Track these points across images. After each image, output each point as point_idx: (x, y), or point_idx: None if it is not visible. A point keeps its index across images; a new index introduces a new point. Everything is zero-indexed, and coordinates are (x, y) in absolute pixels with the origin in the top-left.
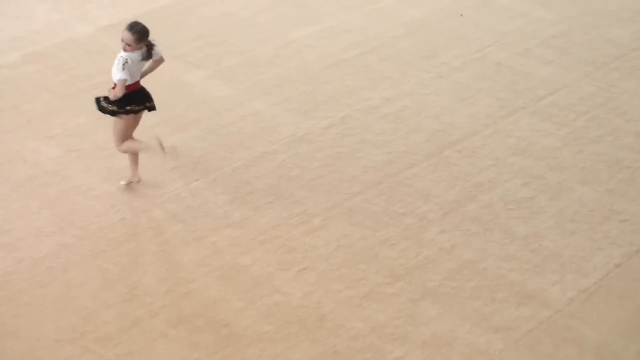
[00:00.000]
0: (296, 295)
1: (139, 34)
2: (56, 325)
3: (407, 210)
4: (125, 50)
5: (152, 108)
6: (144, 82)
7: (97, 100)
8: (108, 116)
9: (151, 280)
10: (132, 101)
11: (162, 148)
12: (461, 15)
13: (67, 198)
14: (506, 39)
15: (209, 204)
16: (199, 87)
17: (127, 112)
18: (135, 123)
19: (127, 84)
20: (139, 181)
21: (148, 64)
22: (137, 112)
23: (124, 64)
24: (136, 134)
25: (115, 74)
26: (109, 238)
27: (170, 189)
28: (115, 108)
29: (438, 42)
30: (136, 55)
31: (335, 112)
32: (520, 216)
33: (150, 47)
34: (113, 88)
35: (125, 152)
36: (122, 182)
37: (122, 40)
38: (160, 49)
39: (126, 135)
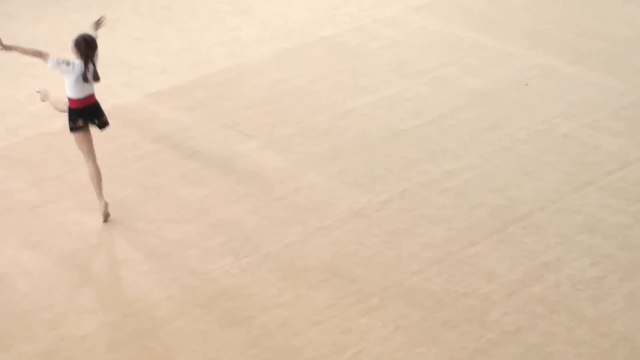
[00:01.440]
0: None
1: (74, 42)
2: None
3: (468, 290)
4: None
5: (102, 124)
6: None
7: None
8: (156, 187)
9: None
10: (80, 116)
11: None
12: (526, 84)
13: (111, 273)
14: (573, 110)
15: (260, 282)
16: (252, 158)
17: (73, 129)
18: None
19: (73, 97)
20: (106, 206)
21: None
22: (83, 127)
23: (64, 61)
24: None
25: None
26: (155, 316)
27: (219, 265)
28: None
29: (502, 113)
30: (80, 64)
31: (393, 185)
32: (589, 297)
33: (93, 64)
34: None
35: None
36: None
37: None
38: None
39: (82, 143)
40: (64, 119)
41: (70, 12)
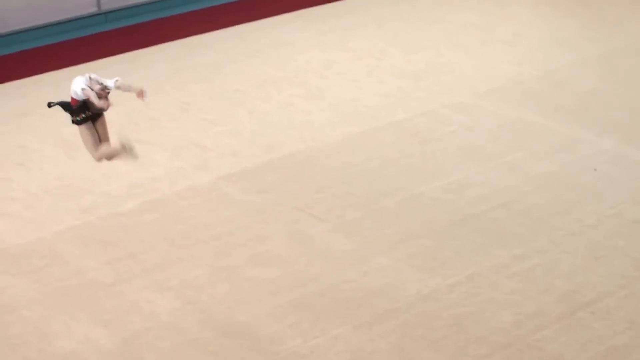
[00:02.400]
0: None
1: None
2: None
3: None
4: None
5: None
6: None
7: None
8: (227, 267)
9: None
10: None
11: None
12: (595, 170)
13: (182, 352)
14: None
15: None
16: (321, 241)
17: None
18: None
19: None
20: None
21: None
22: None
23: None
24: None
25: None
26: None
27: (288, 346)
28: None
29: (570, 198)
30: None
31: (462, 269)
32: None
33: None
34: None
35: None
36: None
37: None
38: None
39: (88, 136)
40: (137, 199)
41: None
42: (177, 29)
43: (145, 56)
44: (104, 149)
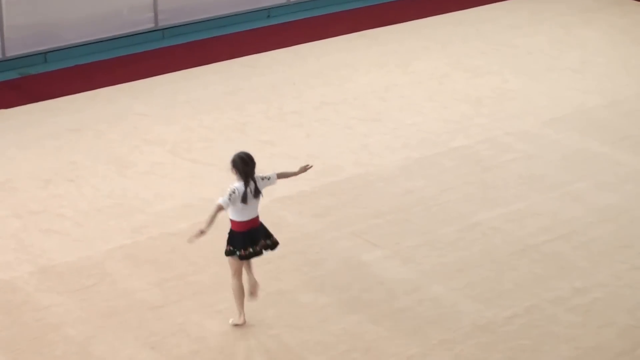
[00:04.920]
0: None
1: (231, 162)
2: None
3: None
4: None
5: (270, 246)
6: None
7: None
8: (278, 292)
9: None
10: (242, 244)
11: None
12: None
13: None
14: None
15: None
16: (376, 267)
17: (238, 256)
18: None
19: (235, 220)
20: (244, 322)
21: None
22: (246, 257)
23: (230, 193)
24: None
25: None
26: None
27: None
28: (228, 248)
29: (635, 231)
30: (241, 186)
31: (520, 301)
32: None
33: (254, 181)
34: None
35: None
36: (231, 321)
37: None
38: (273, 175)
39: (236, 272)
40: (189, 220)
41: (201, 114)
42: (235, 47)
43: (202, 74)
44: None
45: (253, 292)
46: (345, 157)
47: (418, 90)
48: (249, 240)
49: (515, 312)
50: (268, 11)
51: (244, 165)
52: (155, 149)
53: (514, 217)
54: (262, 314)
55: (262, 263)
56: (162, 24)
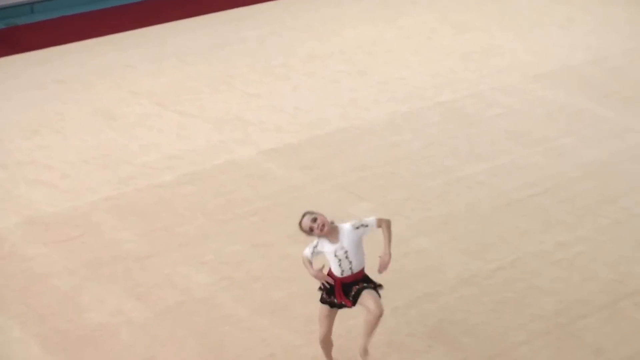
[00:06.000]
0: None
1: (300, 227)
2: None
3: None
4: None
5: (360, 290)
6: None
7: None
8: (264, 244)
9: None
10: (333, 293)
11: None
12: None
13: (215, 328)
14: None
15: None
16: None
17: (323, 301)
18: (332, 317)
19: (328, 272)
20: None
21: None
22: (331, 305)
23: (313, 246)
24: None
25: None
26: None
27: None
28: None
29: (618, 186)
30: (325, 242)
31: (504, 254)
32: None
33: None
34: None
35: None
36: None
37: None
38: (371, 221)
39: (322, 322)
40: (175, 172)
41: (188, 66)
42: (223, 0)
43: (189, 27)
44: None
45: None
46: (332, 110)
47: (405, 45)
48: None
49: (500, 266)
50: None
51: (305, 231)
52: (142, 100)
53: (499, 172)
54: (248, 265)
55: (249, 215)
56: None
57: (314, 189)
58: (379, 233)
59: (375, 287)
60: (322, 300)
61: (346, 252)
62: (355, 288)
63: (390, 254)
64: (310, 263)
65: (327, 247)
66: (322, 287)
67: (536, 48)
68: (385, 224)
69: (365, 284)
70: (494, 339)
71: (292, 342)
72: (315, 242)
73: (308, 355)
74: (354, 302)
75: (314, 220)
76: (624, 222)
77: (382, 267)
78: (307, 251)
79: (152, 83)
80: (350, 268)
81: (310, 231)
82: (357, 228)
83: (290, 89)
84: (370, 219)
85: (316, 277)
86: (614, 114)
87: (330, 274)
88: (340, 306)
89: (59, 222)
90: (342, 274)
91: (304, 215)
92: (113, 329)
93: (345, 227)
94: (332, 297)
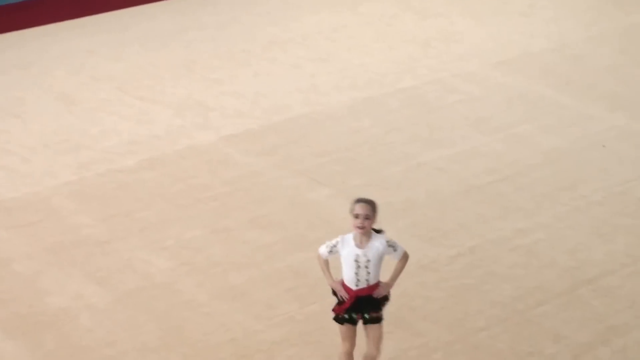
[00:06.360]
0: None
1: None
2: None
3: (534, 350)
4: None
5: (369, 320)
6: None
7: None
8: (224, 229)
9: None
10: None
11: None
12: (603, 146)
13: (175, 313)
14: None
15: (324, 330)
16: (322, 206)
17: (340, 320)
18: (352, 334)
19: (344, 280)
20: None
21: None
22: (346, 321)
23: (331, 245)
24: None
25: None
26: (217, 358)
27: (284, 311)
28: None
29: (577, 173)
30: (349, 243)
31: (464, 240)
32: None
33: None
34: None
35: None
36: None
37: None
38: (400, 249)
39: (343, 340)
40: (136, 157)
41: (149, 51)
42: None
43: (150, 11)
44: None
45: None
46: (293, 96)
47: (366, 31)
48: (356, 305)
49: (459, 252)
50: None
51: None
52: (102, 86)
53: (459, 158)
54: (208, 251)
55: (209, 200)
56: None
57: (274, 174)
58: None
59: (382, 309)
60: (339, 320)
61: (368, 261)
62: (372, 314)
63: (391, 287)
64: (327, 265)
65: (349, 249)
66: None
67: (497, 35)
68: (404, 259)
69: (375, 314)
70: (453, 325)
71: (252, 327)
72: (336, 240)
73: (267, 340)
74: (365, 321)
75: (367, 217)
76: (583, 210)
77: (377, 293)
78: (324, 250)
79: (113, 68)
80: (367, 280)
81: (353, 217)
82: (389, 246)
83: (251, 74)
84: (400, 248)
85: (333, 287)
86: (573, 102)
87: (342, 282)
88: (351, 320)
89: (19, 207)
90: (356, 284)
91: (359, 200)
92: (73, 313)
93: (378, 238)
94: (347, 314)
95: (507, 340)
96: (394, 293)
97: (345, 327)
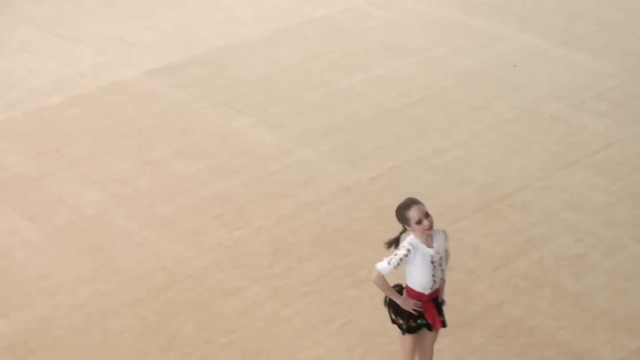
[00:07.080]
0: (339, 349)
1: (396, 213)
2: None
3: (455, 264)
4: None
5: (442, 324)
6: None
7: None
8: (151, 161)
9: (191, 330)
10: (415, 315)
11: None
12: (515, 65)
13: (107, 244)
14: (561, 91)
15: (252, 254)
16: (244, 134)
17: (407, 329)
18: (422, 343)
19: (414, 288)
20: None
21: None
22: (419, 328)
23: (402, 256)
24: None
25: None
26: (149, 286)
27: (212, 237)
28: (393, 317)
29: (490, 93)
30: (420, 246)
31: (383, 162)
32: (572, 273)
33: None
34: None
35: None
36: None
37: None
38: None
39: (409, 354)
40: (62, 94)
41: None
42: None
43: None
44: None
45: None
46: (212, 29)
47: None
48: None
49: (379, 173)
50: None
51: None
52: (25, 27)
53: (376, 82)
54: (136, 182)
55: (134, 134)
56: None
57: (197, 105)
58: None
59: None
60: (410, 330)
61: (441, 258)
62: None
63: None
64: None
65: (422, 253)
66: (409, 313)
67: None
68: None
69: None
70: (376, 244)
71: (182, 254)
72: (404, 251)
73: (198, 266)
74: (444, 324)
75: (427, 215)
76: (497, 128)
77: (440, 296)
78: (387, 266)
79: (34, 8)
80: (441, 278)
81: (417, 224)
82: (447, 240)
83: (170, 9)
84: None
85: (405, 304)
86: (484, 23)
87: (409, 291)
88: (423, 326)
89: None
90: (432, 287)
91: (408, 204)
92: (7, 249)
93: (438, 231)
94: (420, 320)
95: None
96: (316, 216)
97: (414, 336)
